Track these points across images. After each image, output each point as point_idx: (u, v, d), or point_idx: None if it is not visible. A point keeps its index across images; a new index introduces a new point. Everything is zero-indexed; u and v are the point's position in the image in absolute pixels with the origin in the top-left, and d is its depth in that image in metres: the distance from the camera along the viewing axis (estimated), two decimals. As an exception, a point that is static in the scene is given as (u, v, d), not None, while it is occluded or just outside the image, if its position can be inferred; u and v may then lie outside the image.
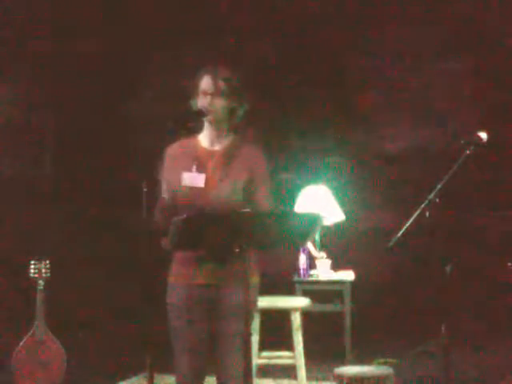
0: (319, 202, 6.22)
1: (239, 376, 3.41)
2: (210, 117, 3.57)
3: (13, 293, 6.06)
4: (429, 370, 5.54)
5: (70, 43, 6.75)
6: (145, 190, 3.37)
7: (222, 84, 3.56)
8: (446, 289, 3.75)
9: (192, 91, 3.63)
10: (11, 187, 6.42)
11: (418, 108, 7.02)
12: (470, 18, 6.82)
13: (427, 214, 3.73)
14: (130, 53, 7.09)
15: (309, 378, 5.41)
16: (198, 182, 3.53)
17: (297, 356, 5.28)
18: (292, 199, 6.33)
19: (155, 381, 3.51)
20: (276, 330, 5.58)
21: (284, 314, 5.35)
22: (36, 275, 5.11)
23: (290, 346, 5.34)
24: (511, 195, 6.60)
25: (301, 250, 5.97)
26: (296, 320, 5.29)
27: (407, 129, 7.11)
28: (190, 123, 3.60)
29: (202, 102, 3.56)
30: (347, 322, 5.99)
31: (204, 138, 3.65)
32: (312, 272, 6.11)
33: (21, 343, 5.07)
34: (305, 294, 5.95)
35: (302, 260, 6.05)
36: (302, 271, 6.05)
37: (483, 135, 3.87)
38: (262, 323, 5.32)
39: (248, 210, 3.35)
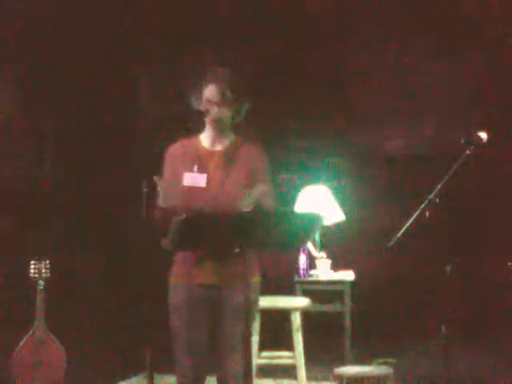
0: (319, 201, 6.22)
1: (239, 376, 3.41)
2: (211, 119, 3.57)
3: (13, 293, 6.05)
4: (429, 370, 5.54)
5: (70, 43, 6.75)
6: (145, 190, 3.37)
7: (229, 94, 3.55)
8: (446, 289, 3.75)
9: (193, 92, 3.63)
10: (11, 187, 6.42)
11: (418, 108, 7.02)
12: (470, 18, 6.82)
13: (427, 214, 3.74)
14: (130, 53, 7.08)
15: (309, 378, 5.41)
16: (200, 182, 3.54)
17: (297, 356, 5.28)
18: (292, 199, 6.32)
19: (155, 381, 3.51)
20: (276, 330, 5.58)
21: (284, 314, 5.35)
22: (36, 275, 5.11)
23: (290, 346, 5.34)
24: (511, 195, 6.60)
25: (301, 250, 5.96)
26: (296, 320, 5.29)
27: (407, 129, 7.10)
28: (190, 123, 3.60)
29: (207, 110, 3.56)
30: (347, 322, 5.98)
31: (205, 138, 3.66)
32: (312, 272, 6.11)
33: (21, 343, 5.07)
34: (305, 293, 5.95)
35: (302, 260, 6.04)
36: (301, 271, 6.05)
37: (483, 135, 3.88)
38: (262, 323, 5.32)
39: (248, 210, 3.35)
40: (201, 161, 3.59)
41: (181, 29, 7.06)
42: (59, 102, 6.76)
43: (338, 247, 6.40)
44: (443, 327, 3.73)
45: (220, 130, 3.62)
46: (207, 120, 3.60)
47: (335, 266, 6.18)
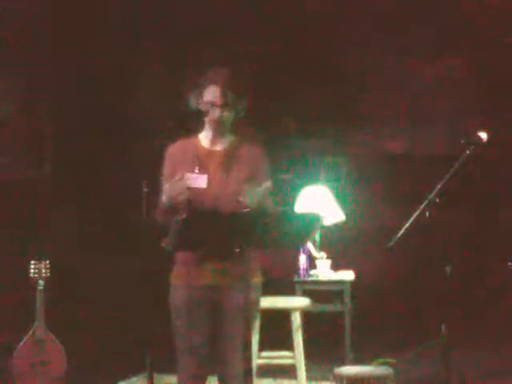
0: (319, 202, 6.22)
1: (240, 376, 3.41)
2: (212, 120, 3.57)
3: (13, 293, 6.05)
4: (429, 370, 5.54)
5: (70, 43, 6.75)
6: (145, 190, 3.37)
7: (230, 96, 3.54)
8: (446, 289, 3.75)
9: (193, 92, 3.62)
10: (11, 187, 6.42)
11: (417, 108, 7.02)
12: (470, 18, 6.82)
13: (427, 214, 3.74)
14: (130, 53, 7.08)
15: (309, 378, 5.41)
16: (201, 183, 3.53)
17: (297, 356, 5.27)
18: (292, 199, 6.32)
19: (155, 381, 3.51)
20: (276, 330, 5.58)
21: (284, 314, 5.35)
22: (36, 275, 5.11)
23: (290, 346, 5.34)
24: (511, 195, 6.60)
25: (301, 250, 5.96)
26: (296, 320, 5.29)
27: (407, 129, 7.11)
28: (190, 123, 3.60)
29: (207, 110, 3.55)
30: (347, 322, 5.98)
31: (204, 138, 3.65)
32: (312, 272, 6.11)
33: (21, 343, 5.07)
34: (305, 293, 5.95)
35: (302, 260, 6.04)
36: (301, 271, 6.05)
37: (483, 135, 3.88)
38: (262, 323, 5.32)
39: (248, 210, 3.35)
40: (201, 161, 3.59)
41: (181, 29, 7.06)
42: (59, 102, 6.76)
43: (338, 247, 6.39)
44: (443, 327, 3.73)
45: (220, 130, 3.62)
46: (207, 120, 3.59)
47: (335, 266, 6.17)
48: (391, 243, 3.78)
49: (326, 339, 6.30)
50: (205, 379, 3.61)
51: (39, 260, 5.15)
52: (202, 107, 3.57)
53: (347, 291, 6.01)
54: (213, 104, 3.54)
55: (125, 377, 5.88)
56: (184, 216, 3.23)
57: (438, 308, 3.83)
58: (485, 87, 6.84)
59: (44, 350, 5.07)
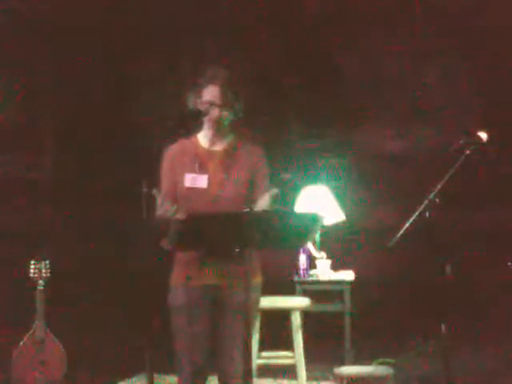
0: (319, 202, 6.22)
1: (240, 376, 3.41)
2: (211, 120, 3.57)
3: (13, 293, 6.05)
4: (429, 370, 5.54)
5: (70, 43, 6.75)
6: (145, 190, 3.37)
7: (229, 95, 3.54)
8: (446, 289, 3.75)
9: (191, 92, 3.62)
10: (11, 187, 6.42)
11: (418, 108, 7.02)
12: (469, 18, 6.82)
13: (427, 213, 3.74)
14: (130, 53, 7.08)
15: (309, 377, 5.41)
16: (201, 183, 3.53)
17: (297, 356, 5.27)
18: (292, 199, 6.32)
19: (155, 381, 3.51)
20: (276, 330, 5.58)
21: (284, 314, 5.35)
22: (36, 275, 5.11)
23: (289, 346, 5.34)
24: (511, 195, 6.60)
25: (301, 250, 5.96)
26: (296, 320, 5.29)
27: (407, 129, 7.11)
28: (190, 123, 3.60)
29: (207, 110, 3.55)
30: (347, 322, 5.98)
31: (203, 138, 3.65)
32: (312, 272, 6.11)
33: (21, 343, 5.07)
34: (305, 294, 5.95)
35: (302, 260, 6.04)
36: (301, 271, 6.05)
37: (483, 135, 3.87)
38: (262, 323, 5.32)
39: (248, 210, 3.35)
40: (200, 161, 3.59)
41: (181, 29, 7.06)
42: (59, 101, 6.76)
43: (338, 247, 6.39)
44: (443, 327, 3.73)
45: (219, 130, 3.61)
46: (206, 120, 3.59)
47: (335, 266, 6.17)
48: (391, 243, 3.77)
49: (326, 339, 6.30)
50: (205, 379, 3.61)
51: (39, 260, 5.16)
52: (201, 107, 3.56)
53: (347, 291, 6.01)
54: (212, 104, 3.54)
55: (125, 377, 5.87)
56: (184, 216, 3.23)
57: (438, 308, 3.83)
58: (485, 87, 6.83)
59: (44, 350, 5.07)
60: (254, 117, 6.55)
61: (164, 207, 3.36)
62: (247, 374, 3.28)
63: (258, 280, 3.59)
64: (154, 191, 3.40)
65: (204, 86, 3.56)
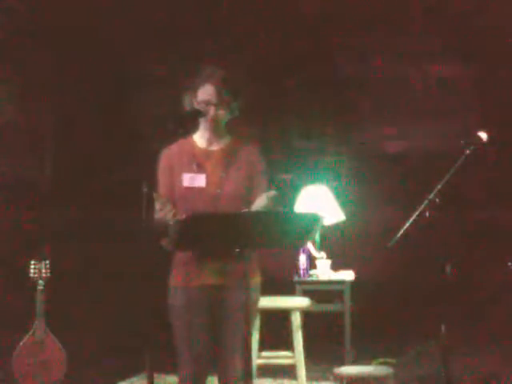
0: (319, 201, 6.22)
1: (240, 376, 3.41)
2: (209, 119, 3.57)
3: (13, 293, 6.05)
4: (429, 370, 5.54)
5: (70, 43, 6.75)
6: (145, 190, 3.36)
7: (225, 94, 3.54)
8: (446, 289, 3.75)
9: (188, 92, 3.62)
10: (11, 187, 6.42)
11: (418, 108, 7.02)
12: (470, 18, 6.82)
13: (427, 213, 3.74)
14: (130, 53, 7.08)
15: (309, 377, 5.41)
16: (199, 183, 3.53)
17: (297, 356, 5.27)
18: (292, 199, 6.32)
19: (155, 381, 3.51)
20: (276, 330, 5.58)
21: (284, 314, 5.35)
22: (36, 275, 5.11)
23: (290, 346, 5.34)
24: (511, 195, 6.60)
25: (301, 250, 5.96)
26: (296, 320, 5.29)
27: (407, 128, 7.11)
28: (189, 123, 3.60)
29: (206, 110, 3.55)
30: (347, 321, 5.98)
31: (200, 139, 3.65)
32: (312, 272, 6.11)
33: (21, 343, 5.07)
34: (305, 293, 5.95)
35: (302, 260, 6.04)
36: (301, 271, 6.05)
37: (483, 135, 3.88)
38: (262, 323, 5.32)
39: (248, 209, 3.35)
40: (198, 161, 3.59)
41: (181, 29, 7.06)
42: (59, 102, 6.76)
43: (338, 247, 6.39)
44: (443, 327, 3.73)
45: (216, 129, 3.61)
46: (202, 120, 3.59)
47: (335, 266, 6.18)
48: (391, 243, 3.78)
49: (326, 339, 6.31)
50: (205, 379, 3.61)
51: (39, 260, 5.16)
52: (198, 107, 3.56)
53: (347, 291, 6.01)
54: (208, 103, 3.54)
55: (125, 377, 5.88)
56: (184, 216, 3.23)
57: (438, 308, 3.83)
58: (485, 87, 6.83)
59: (44, 350, 5.08)
60: (253, 117, 6.57)
61: (163, 211, 3.36)
62: (247, 374, 3.28)
63: (257, 280, 3.59)
64: (155, 195, 3.40)
65: (200, 85, 3.57)
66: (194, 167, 3.56)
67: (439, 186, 3.77)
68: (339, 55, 7.12)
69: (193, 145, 3.64)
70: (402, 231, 3.75)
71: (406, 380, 5.44)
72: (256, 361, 5.21)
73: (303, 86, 7.04)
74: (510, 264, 4.76)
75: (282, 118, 7.12)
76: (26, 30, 6.54)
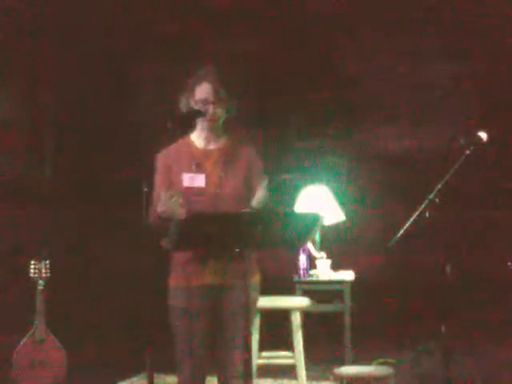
0: (319, 202, 6.22)
1: (240, 375, 3.41)
2: (208, 118, 3.57)
3: (13, 293, 6.05)
4: (429, 370, 5.54)
5: (71, 43, 6.75)
6: (145, 190, 3.37)
7: (223, 91, 3.55)
8: (446, 289, 3.75)
9: (185, 92, 3.63)
10: (11, 187, 6.42)
11: (418, 108, 7.02)
12: (470, 18, 6.82)
13: (427, 213, 3.74)
14: (130, 53, 7.08)
15: (309, 377, 5.41)
16: (199, 182, 3.53)
17: (297, 356, 5.27)
18: (292, 199, 6.32)
19: (155, 381, 3.51)
20: (276, 330, 5.58)
21: (284, 314, 5.35)
22: (36, 275, 5.12)
23: (290, 346, 5.34)
24: (511, 195, 6.60)
25: (301, 249, 5.96)
26: (296, 320, 5.29)
27: (407, 128, 7.11)
28: (188, 123, 3.60)
29: (205, 110, 3.56)
30: (347, 322, 5.98)
31: (198, 139, 3.66)
32: (312, 272, 6.11)
33: (21, 343, 5.07)
34: (305, 294, 5.95)
35: (302, 260, 6.04)
36: (301, 271, 6.05)
37: (483, 135, 3.88)
38: (262, 323, 5.32)
39: (248, 209, 3.35)
40: (197, 161, 3.59)
41: (181, 29, 7.06)
42: (59, 101, 6.76)
43: (338, 247, 6.39)
44: (443, 327, 3.73)
45: (214, 128, 3.62)
46: (201, 120, 3.59)
47: (335, 266, 6.18)
48: (391, 243, 3.78)
49: (326, 339, 6.31)
50: (204, 379, 3.61)
51: (39, 260, 5.16)
52: (196, 106, 3.57)
53: (347, 291, 6.01)
54: (205, 101, 3.55)
55: (125, 377, 5.88)
56: (184, 216, 3.23)
57: (438, 308, 3.83)
58: (485, 87, 6.83)
59: (44, 350, 5.08)
60: (253, 117, 6.57)
61: (165, 199, 3.36)
62: (247, 374, 3.28)
63: (256, 279, 3.60)
64: (162, 191, 3.40)
65: (196, 84, 3.58)
66: (194, 167, 3.57)
67: (439, 186, 3.77)
68: (339, 55, 7.11)
69: (191, 145, 3.65)
70: (402, 231, 3.75)
71: (406, 380, 5.44)
72: (256, 361, 5.21)
73: (303, 86, 7.03)
74: (509, 264, 4.76)
75: (281, 118, 7.12)
76: (26, 30, 6.54)
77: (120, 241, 6.58)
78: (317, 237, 6.17)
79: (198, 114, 3.56)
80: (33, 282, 5.11)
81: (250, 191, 3.55)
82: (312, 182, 6.51)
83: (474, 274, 6.50)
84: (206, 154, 3.61)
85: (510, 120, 6.62)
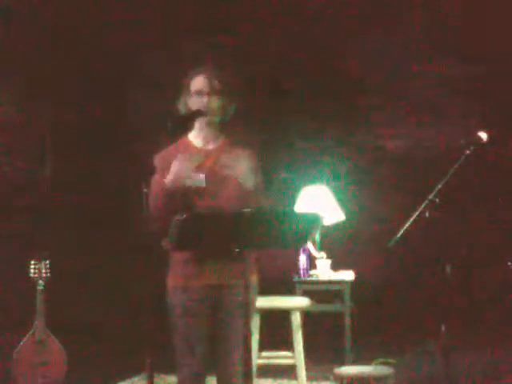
0: (319, 201, 6.22)
1: (239, 376, 3.41)
2: (207, 118, 3.58)
3: (13, 293, 6.05)
4: (429, 370, 5.54)
5: (70, 43, 6.75)
6: (145, 190, 3.37)
7: (216, 83, 3.57)
8: (446, 289, 3.75)
9: (183, 91, 3.63)
10: (11, 187, 6.42)
11: (418, 108, 7.02)
12: (470, 18, 6.82)
13: (427, 214, 3.74)
14: (130, 54, 7.08)
15: (309, 378, 5.41)
16: (199, 182, 3.53)
17: (297, 356, 5.28)
18: (292, 199, 6.32)
19: (155, 381, 3.51)
20: (276, 330, 5.58)
21: (284, 314, 5.35)
22: (36, 275, 5.11)
23: (290, 346, 5.34)
24: (511, 195, 6.60)
25: (301, 249, 5.96)
26: (296, 320, 5.29)
27: (407, 129, 7.10)
28: (188, 123, 3.60)
29: (197, 103, 3.56)
30: (347, 322, 5.98)
31: (196, 138, 3.66)
32: (312, 272, 6.11)
33: (21, 343, 5.07)
34: (305, 293, 5.95)
35: (302, 260, 6.04)
36: (301, 271, 6.05)
37: (483, 135, 3.88)
38: (262, 323, 5.32)
39: (248, 209, 3.35)
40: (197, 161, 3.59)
41: (182, 29, 7.05)
42: (59, 101, 6.76)
43: (338, 247, 6.40)
44: (443, 327, 3.73)
45: (212, 126, 3.62)
46: (202, 120, 3.59)
47: (335, 266, 6.18)
48: (391, 243, 3.78)
49: (326, 339, 6.31)
50: (204, 378, 3.61)
51: (39, 260, 5.16)
52: (192, 101, 3.57)
53: (347, 291, 6.02)
54: (200, 92, 3.56)
55: (125, 377, 5.88)
56: (184, 216, 3.23)
57: (438, 308, 3.83)
58: (485, 87, 6.83)
59: (44, 350, 5.08)
60: (253, 117, 6.57)
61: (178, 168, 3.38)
62: (247, 374, 3.28)
63: (254, 278, 3.60)
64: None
65: (191, 79, 3.59)
66: (194, 167, 3.56)
67: (439, 186, 3.77)
68: (339, 55, 7.11)
69: (190, 145, 3.65)
70: (402, 231, 3.75)
71: (406, 380, 5.44)
72: (256, 361, 5.21)
73: (303, 86, 7.04)
74: (509, 264, 4.76)
75: (282, 118, 7.11)
76: (26, 30, 6.54)
77: (120, 241, 6.58)
78: (317, 237, 6.17)
79: (197, 113, 3.56)
80: (33, 282, 5.11)
81: (248, 195, 3.55)
82: (312, 182, 6.51)
83: (473, 274, 6.51)
84: (205, 153, 3.62)
85: (510, 120, 6.62)
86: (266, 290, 3.83)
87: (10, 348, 5.11)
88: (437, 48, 6.96)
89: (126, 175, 6.29)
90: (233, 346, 3.49)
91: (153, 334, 3.44)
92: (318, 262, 6.16)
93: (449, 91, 6.96)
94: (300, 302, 5.54)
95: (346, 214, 6.32)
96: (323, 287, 6.13)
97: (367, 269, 6.40)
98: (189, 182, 3.52)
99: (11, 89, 6.53)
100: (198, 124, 3.63)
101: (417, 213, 3.75)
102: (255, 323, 5.14)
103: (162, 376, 5.29)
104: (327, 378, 5.58)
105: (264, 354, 5.45)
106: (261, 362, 5.39)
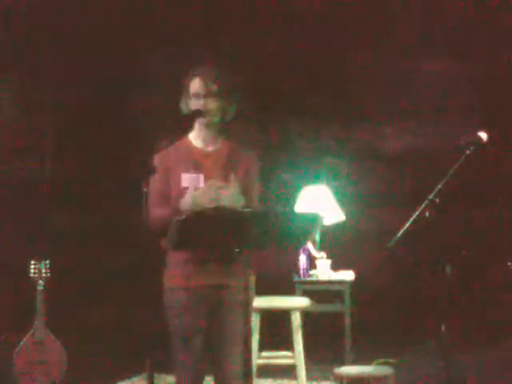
0: (319, 202, 6.22)
1: (239, 376, 3.41)
2: (206, 119, 3.58)
3: (13, 293, 6.05)
4: (429, 370, 5.54)
5: (71, 43, 6.75)
6: (145, 190, 3.36)
7: (213, 85, 3.56)
8: (446, 289, 3.75)
9: (183, 92, 3.64)
10: (11, 187, 6.42)
11: (418, 108, 7.02)
12: (470, 18, 6.82)
13: (427, 214, 3.74)
14: (130, 53, 7.08)
15: (309, 378, 5.41)
16: (198, 183, 3.53)
17: (297, 356, 5.28)
18: (292, 199, 6.32)
19: (155, 381, 3.51)
20: (276, 330, 5.58)
21: (284, 314, 5.35)
22: (36, 275, 5.12)
23: (290, 346, 5.34)
24: (511, 195, 6.60)
25: (301, 249, 5.96)
26: (296, 320, 5.29)
27: (407, 129, 7.10)
28: (188, 123, 3.61)
29: (195, 105, 3.57)
30: (347, 322, 5.98)
31: (196, 139, 3.65)
32: (312, 272, 6.11)
33: (21, 343, 5.07)
34: (305, 293, 5.95)
35: (302, 260, 6.05)
36: (301, 271, 6.05)
37: (483, 135, 3.88)
38: (262, 323, 5.32)
39: (248, 209, 3.35)
40: (196, 161, 3.59)
41: (182, 29, 7.06)
42: (59, 101, 6.76)
43: (338, 247, 6.39)
44: (443, 327, 3.73)
45: (211, 128, 3.62)
46: (202, 121, 3.59)
47: (335, 266, 6.18)
48: (391, 243, 3.78)
49: (326, 339, 6.31)
50: (203, 379, 3.61)
51: (39, 260, 5.16)
52: (190, 103, 3.57)
53: (347, 291, 6.02)
54: (197, 95, 3.56)
55: (125, 377, 5.88)
56: (183, 216, 3.23)
57: (438, 308, 3.83)
58: (485, 87, 6.83)
59: (44, 350, 5.08)
60: (253, 117, 6.57)
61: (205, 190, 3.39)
62: (247, 374, 3.28)
63: (252, 278, 3.60)
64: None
65: (189, 81, 3.60)
66: (192, 167, 3.56)
67: (439, 186, 3.77)
68: (340, 55, 7.11)
69: (189, 145, 3.65)
70: (401, 231, 3.75)
71: (406, 380, 5.44)
72: (256, 361, 5.22)
73: (303, 86, 7.04)
74: (509, 264, 4.76)
75: (282, 119, 7.12)
76: (26, 30, 6.54)
77: (120, 241, 6.58)
78: (317, 237, 6.17)
79: (196, 113, 3.56)
80: (33, 282, 5.11)
81: (244, 196, 3.54)
82: (312, 182, 6.51)
83: (473, 273, 6.51)
84: (204, 154, 3.62)
85: (510, 120, 6.62)
86: (266, 290, 3.83)
87: (10, 348, 5.11)
88: (437, 47, 6.96)
89: (127, 175, 6.29)
90: (232, 346, 3.49)
91: (153, 334, 3.44)
92: (317, 262, 6.16)
93: (449, 91, 6.96)
94: (300, 302, 5.54)
95: (346, 214, 6.32)
96: (323, 287, 6.13)
97: (367, 269, 6.40)
98: (187, 183, 3.52)
99: (11, 89, 6.53)
100: (197, 125, 3.64)
101: (417, 213, 3.75)
102: (255, 323, 5.14)
103: (162, 376, 5.28)
104: (327, 378, 5.58)
105: (264, 354, 5.45)
106: (261, 362, 5.39)
